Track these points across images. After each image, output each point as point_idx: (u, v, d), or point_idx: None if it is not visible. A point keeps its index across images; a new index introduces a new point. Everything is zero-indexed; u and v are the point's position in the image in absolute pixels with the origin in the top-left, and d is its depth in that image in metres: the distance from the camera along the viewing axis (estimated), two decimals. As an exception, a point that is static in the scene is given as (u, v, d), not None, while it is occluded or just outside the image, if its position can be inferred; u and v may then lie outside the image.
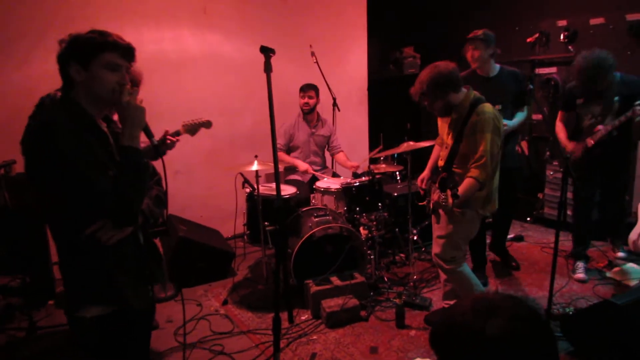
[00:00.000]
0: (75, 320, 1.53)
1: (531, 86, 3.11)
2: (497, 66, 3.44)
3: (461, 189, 2.46)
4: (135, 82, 2.44)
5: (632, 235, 3.84)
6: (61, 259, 1.56)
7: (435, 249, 2.83)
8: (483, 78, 3.40)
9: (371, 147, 5.84)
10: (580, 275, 3.59)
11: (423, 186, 2.99)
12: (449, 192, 2.38)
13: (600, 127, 3.31)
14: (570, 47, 4.73)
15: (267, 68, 1.59)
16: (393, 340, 2.89)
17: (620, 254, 3.88)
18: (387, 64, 6.42)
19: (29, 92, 3.67)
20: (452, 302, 3.00)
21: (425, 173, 3.02)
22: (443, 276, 3.00)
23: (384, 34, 6.02)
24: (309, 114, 4.32)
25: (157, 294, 3.43)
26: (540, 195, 4.94)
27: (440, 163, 2.76)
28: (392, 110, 6.25)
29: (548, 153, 4.93)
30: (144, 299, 1.65)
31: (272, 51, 1.60)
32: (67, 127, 1.42)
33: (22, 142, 1.45)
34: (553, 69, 4.90)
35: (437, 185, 2.66)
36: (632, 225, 3.84)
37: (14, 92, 3.74)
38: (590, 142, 3.33)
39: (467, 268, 2.82)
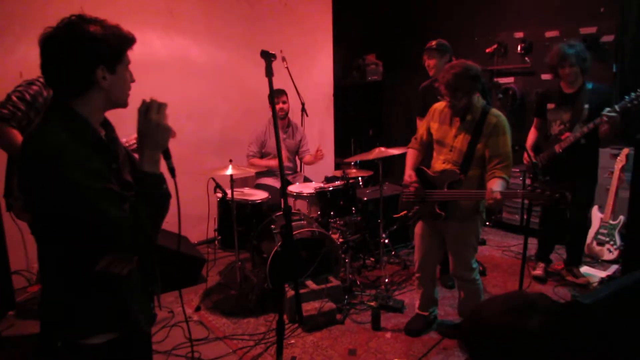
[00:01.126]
0: (76, 346, 1.36)
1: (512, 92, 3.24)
2: None
3: (500, 188, 2.50)
4: None
5: (587, 239, 4.08)
6: (63, 292, 1.35)
7: (455, 262, 2.84)
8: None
9: (337, 153, 5.91)
10: (538, 272, 3.78)
11: (411, 194, 2.87)
12: (492, 190, 2.45)
13: (568, 134, 3.39)
14: (526, 58, 4.99)
15: (269, 72, 1.60)
16: (370, 342, 2.95)
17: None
18: (350, 71, 6.53)
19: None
20: (427, 312, 3.07)
21: (408, 176, 2.89)
22: (421, 288, 3.05)
23: (346, 41, 6.13)
24: (283, 119, 4.33)
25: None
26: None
27: (446, 166, 2.78)
28: (355, 116, 6.37)
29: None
30: (150, 318, 1.56)
31: (274, 56, 1.61)
32: (74, 153, 1.23)
33: (23, 162, 1.27)
34: (511, 79, 5.15)
35: (445, 190, 2.71)
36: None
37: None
38: (558, 148, 3.41)
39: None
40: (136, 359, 1.56)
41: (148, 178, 1.34)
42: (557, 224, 3.81)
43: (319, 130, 5.61)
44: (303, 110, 4.78)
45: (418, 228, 2.99)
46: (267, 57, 1.59)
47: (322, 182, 3.85)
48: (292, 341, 2.99)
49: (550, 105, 3.56)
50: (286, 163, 4.43)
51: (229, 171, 3.38)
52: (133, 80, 1.41)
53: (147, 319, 1.53)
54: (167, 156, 1.43)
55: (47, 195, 1.24)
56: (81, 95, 1.31)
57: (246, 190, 4.00)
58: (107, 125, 1.45)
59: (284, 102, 4.29)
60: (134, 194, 1.35)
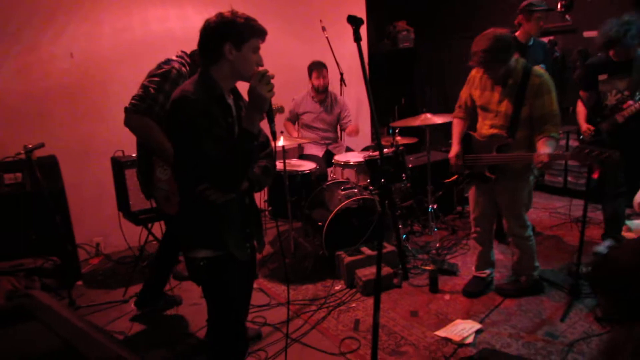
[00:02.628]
0: (188, 259, 1.84)
1: (557, 54, 3.18)
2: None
3: (547, 148, 2.55)
4: None
5: (637, 197, 4.04)
6: (181, 209, 1.84)
7: (510, 220, 2.90)
8: (522, 45, 3.47)
9: (373, 121, 5.89)
10: (600, 248, 3.61)
11: (459, 163, 2.96)
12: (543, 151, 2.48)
13: (630, 102, 3.21)
14: (567, 16, 4.85)
15: (357, 38, 1.62)
16: (430, 304, 3.02)
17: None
18: (381, 39, 6.45)
19: (42, 75, 3.66)
20: (485, 272, 3.13)
21: (457, 149, 2.96)
22: (479, 248, 3.10)
23: (377, 8, 6.03)
24: (321, 93, 4.34)
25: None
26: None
27: (493, 130, 2.80)
28: (387, 84, 6.32)
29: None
30: (244, 252, 1.88)
31: (361, 21, 1.62)
32: (199, 99, 1.63)
33: (168, 107, 1.71)
34: (551, 38, 5.03)
35: (494, 153, 2.75)
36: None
37: (27, 75, 3.65)
38: (620, 118, 3.24)
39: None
40: (232, 281, 1.88)
41: (242, 131, 1.69)
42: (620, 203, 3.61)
43: (355, 99, 5.59)
44: (342, 80, 4.77)
45: (473, 191, 3.03)
46: (356, 21, 1.60)
47: (369, 151, 3.87)
48: (353, 305, 3.07)
49: (602, 77, 3.38)
50: (323, 134, 4.45)
51: (280, 142, 3.43)
52: (260, 64, 1.75)
53: (241, 250, 1.86)
54: (270, 120, 1.74)
55: (175, 129, 1.69)
56: (215, 63, 1.71)
57: (294, 161, 4.05)
58: (235, 92, 1.86)
59: (324, 77, 4.28)
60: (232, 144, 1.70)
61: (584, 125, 3.46)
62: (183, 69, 2.55)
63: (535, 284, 3.03)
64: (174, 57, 2.62)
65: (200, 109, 1.63)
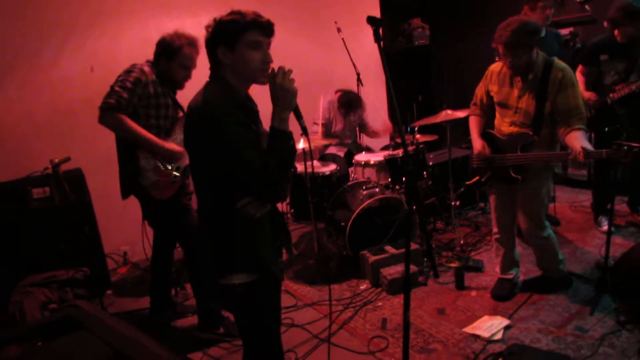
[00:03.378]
0: (224, 286, 1.64)
1: (578, 45, 3.15)
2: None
3: (582, 142, 2.38)
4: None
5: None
6: (211, 231, 1.66)
7: (527, 221, 2.81)
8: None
9: (397, 118, 5.88)
10: (605, 227, 3.73)
11: (486, 153, 2.83)
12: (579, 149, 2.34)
13: (622, 84, 3.32)
14: (586, 6, 4.77)
15: (378, 38, 1.64)
16: (457, 301, 3.01)
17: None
18: (396, 36, 6.43)
19: (63, 90, 3.76)
20: (511, 274, 3.05)
21: (480, 142, 2.87)
22: (502, 249, 3.04)
23: (391, 6, 6.02)
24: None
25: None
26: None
27: (513, 128, 2.73)
28: (404, 82, 6.30)
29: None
30: (279, 269, 1.77)
31: (380, 22, 1.64)
32: (224, 105, 1.52)
33: (186, 121, 1.60)
34: (570, 30, 4.95)
35: (519, 153, 2.65)
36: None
37: (50, 91, 3.75)
38: (609, 100, 3.33)
39: (552, 232, 2.89)
40: (270, 305, 1.79)
41: (275, 132, 1.57)
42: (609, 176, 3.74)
43: (372, 100, 5.60)
44: (359, 80, 4.77)
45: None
46: (375, 22, 1.62)
47: (389, 150, 3.87)
48: (380, 304, 3.08)
49: (603, 57, 3.45)
50: (348, 140, 4.47)
51: (301, 145, 3.45)
52: (268, 60, 1.60)
53: (277, 268, 1.75)
54: (298, 116, 1.65)
55: (201, 137, 1.54)
56: (220, 69, 1.61)
57: (315, 163, 4.07)
58: (249, 99, 1.72)
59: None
60: (266, 147, 1.58)
61: (586, 94, 3.47)
62: (145, 68, 2.66)
63: (563, 279, 2.98)
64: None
65: (231, 115, 1.52)
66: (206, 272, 1.77)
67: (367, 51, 5.62)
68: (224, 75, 1.61)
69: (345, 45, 4.52)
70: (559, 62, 2.59)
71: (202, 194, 1.67)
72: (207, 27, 1.59)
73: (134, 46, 4.06)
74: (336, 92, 4.52)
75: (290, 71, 1.57)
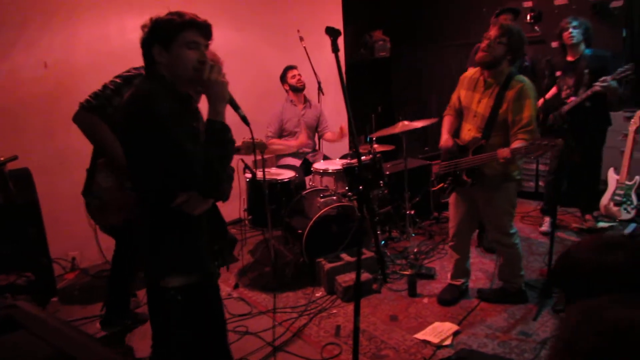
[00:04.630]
0: (159, 290, 1.59)
1: (527, 63, 3.35)
2: None
3: (513, 145, 2.56)
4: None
5: (603, 200, 4.21)
6: (149, 229, 1.61)
7: (492, 228, 2.93)
8: None
9: (350, 130, 5.97)
10: (544, 228, 4.06)
11: (450, 144, 2.93)
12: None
13: (572, 98, 3.71)
14: (536, 27, 5.02)
15: (335, 49, 1.66)
16: (409, 308, 3.07)
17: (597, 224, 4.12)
18: (358, 48, 6.55)
19: (13, 85, 3.61)
20: (460, 281, 3.15)
21: (445, 139, 2.97)
22: (455, 256, 3.13)
23: (353, 18, 6.14)
24: (301, 91, 4.40)
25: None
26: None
27: (471, 133, 2.82)
28: (365, 93, 6.41)
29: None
30: (215, 271, 1.77)
31: (339, 32, 1.67)
32: (161, 98, 1.49)
33: (122, 110, 1.56)
34: (521, 49, 5.20)
35: (470, 156, 2.76)
36: (603, 192, 4.22)
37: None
38: (564, 111, 3.70)
39: (519, 242, 2.97)
40: (209, 310, 1.76)
41: (212, 124, 1.55)
42: (561, 183, 4.06)
43: (333, 109, 5.66)
44: (319, 89, 4.82)
45: (452, 197, 3.08)
46: (333, 33, 1.65)
47: (347, 158, 3.92)
48: (334, 311, 3.10)
49: (557, 73, 3.89)
50: (307, 141, 4.49)
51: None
52: (204, 60, 1.56)
53: (213, 270, 1.74)
54: (235, 107, 1.67)
55: (137, 130, 1.49)
56: (154, 70, 1.59)
57: (273, 170, 4.07)
58: (189, 97, 1.70)
59: (299, 75, 4.38)
60: (204, 140, 1.56)
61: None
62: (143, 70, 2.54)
63: (520, 294, 3.02)
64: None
65: (168, 108, 1.48)
66: (145, 274, 1.72)
67: (329, 60, 5.62)
68: (160, 73, 1.59)
69: (307, 54, 4.57)
70: (520, 76, 2.72)
71: (140, 192, 1.64)
72: (143, 27, 1.57)
73: (92, 43, 3.95)
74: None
75: (217, 65, 1.56)
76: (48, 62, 3.73)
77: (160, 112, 1.46)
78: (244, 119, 1.67)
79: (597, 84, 3.48)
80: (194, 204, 1.57)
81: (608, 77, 3.46)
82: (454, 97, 3.03)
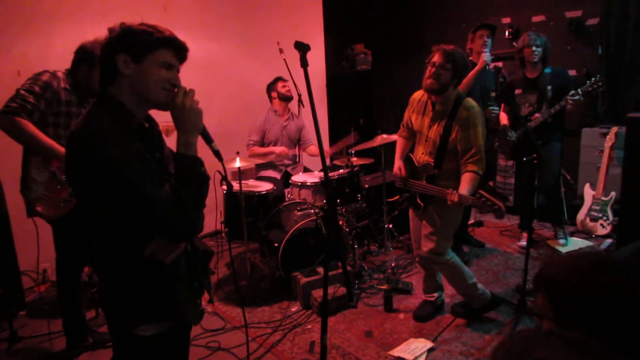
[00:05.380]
0: (132, 338, 1.45)
1: (502, 79, 3.39)
2: None
3: (466, 185, 2.53)
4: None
5: (580, 216, 4.25)
6: (116, 277, 1.43)
7: (428, 245, 2.84)
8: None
9: (331, 143, 5.97)
10: (523, 242, 4.08)
11: (403, 174, 2.95)
12: (451, 192, 2.48)
13: (537, 114, 3.76)
14: (514, 43, 5.10)
15: (304, 63, 1.65)
16: (385, 324, 3.04)
17: (562, 242, 4.10)
18: (339, 61, 6.57)
19: None
20: (434, 296, 3.13)
21: (399, 163, 3.01)
22: (423, 271, 3.12)
23: (335, 31, 6.17)
24: (288, 102, 4.39)
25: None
26: (491, 183, 5.30)
27: (423, 157, 2.82)
28: (346, 106, 6.43)
29: (497, 143, 5.29)
30: (197, 313, 1.61)
31: (308, 47, 1.66)
32: (115, 133, 1.31)
33: (68, 152, 1.35)
34: (499, 64, 5.25)
35: (423, 182, 2.75)
36: (579, 207, 4.27)
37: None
38: (530, 127, 3.70)
39: (457, 257, 2.91)
40: (181, 353, 1.64)
41: (182, 159, 1.39)
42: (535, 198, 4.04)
43: (312, 122, 5.65)
44: (300, 101, 4.82)
45: (410, 212, 3.08)
46: (302, 48, 1.64)
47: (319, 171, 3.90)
48: (309, 326, 3.06)
49: (517, 91, 3.92)
50: (287, 152, 4.46)
51: (237, 164, 3.42)
52: (175, 85, 1.43)
53: (194, 313, 1.58)
54: (208, 140, 1.50)
55: (90, 176, 1.30)
56: (112, 83, 1.40)
57: (251, 182, 4.04)
58: (150, 120, 1.53)
59: (289, 85, 4.37)
60: (174, 177, 1.40)
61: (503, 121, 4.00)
62: (59, 73, 2.54)
63: (484, 306, 2.98)
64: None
65: (125, 148, 1.30)
66: (115, 322, 1.53)
67: (310, 73, 5.71)
68: (116, 93, 1.40)
69: (287, 66, 4.56)
70: (468, 101, 2.67)
71: (97, 240, 1.43)
72: (110, 30, 1.41)
73: (68, 52, 3.87)
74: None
75: (192, 91, 1.42)
76: (21, 70, 3.66)
77: (114, 154, 1.27)
78: (217, 154, 1.52)
79: (569, 98, 3.51)
80: (165, 251, 1.40)
81: (579, 90, 3.50)
82: (406, 117, 3.02)
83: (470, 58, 3.73)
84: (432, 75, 2.64)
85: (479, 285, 2.96)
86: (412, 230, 3.10)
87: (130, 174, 1.28)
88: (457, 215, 2.84)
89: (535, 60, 3.71)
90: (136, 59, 1.37)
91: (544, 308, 1.01)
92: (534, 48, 3.69)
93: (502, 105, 4.05)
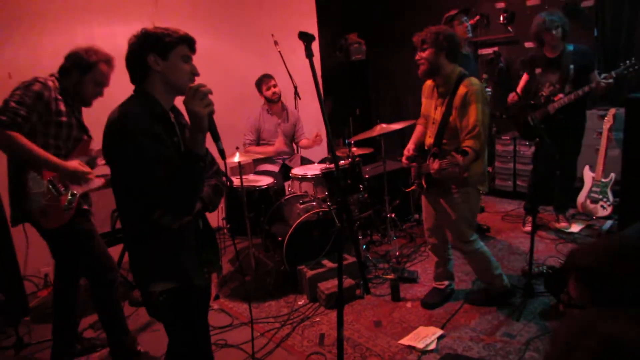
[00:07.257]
0: (146, 294, 1.71)
1: (501, 64, 3.35)
2: None
3: (452, 159, 2.49)
4: None
5: (580, 198, 4.26)
6: (131, 242, 1.75)
7: (449, 233, 2.87)
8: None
9: (328, 133, 5.93)
10: (528, 228, 4.03)
11: (411, 152, 2.95)
12: (454, 155, 2.46)
13: (561, 95, 3.63)
14: (509, 27, 5.08)
15: (309, 54, 1.63)
16: (393, 313, 3.04)
17: (565, 224, 4.11)
18: (333, 51, 6.53)
19: None
20: (443, 283, 3.14)
21: (410, 146, 2.99)
22: (435, 258, 3.12)
23: (328, 22, 6.12)
24: (276, 103, 4.33)
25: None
26: (489, 169, 5.31)
27: (430, 140, 2.83)
28: (342, 96, 6.39)
29: (495, 128, 5.29)
30: (203, 278, 1.81)
31: (313, 37, 1.64)
32: (140, 118, 1.57)
33: (106, 127, 1.59)
34: (495, 49, 5.24)
35: (430, 160, 2.74)
36: (579, 190, 4.27)
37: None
38: (552, 109, 3.65)
39: (484, 247, 2.90)
40: (194, 312, 1.83)
41: (186, 154, 1.61)
42: (544, 182, 4.08)
43: (310, 113, 5.62)
44: (296, 93, 4.78)
45: (423, 200, 3.07)
46: (307, 38, 1.61)
47: (326, 162, 3.88)
48: (317, 319, 3.05)
49: (537, 70, 3.81)
50: (284, 148, 4.43)
51: (237, 158, 3.39)
52: (196, 74, 1.71)
53: (199, 278, 1.79)
54: (215, 138, 1.67)
55: (115, 151, 1.60)
56: (145, 80, 1.67)
57: (251, 177, 4.01)
58: (175, 110, 1.79)
59: (274, 86, 4.29)
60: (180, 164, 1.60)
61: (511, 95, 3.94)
62: (50, 83, 2.45)
63: (505, 294, 2.98)
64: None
65: (145, 129, 1.55)
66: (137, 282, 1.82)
67: (305, 64, 5.47)
68: (148, 87, 1.66)
69: (282, 58, 4.52)
70: (469, 79, 2.63)
71: (125, 205, 1.70)
72: (133, 36, 1.64)
73: (59, 53, 3.80)
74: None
75: (207, 91, 1.56)
76: (12, 72, 3.60)
77: (138, 133, 1.53)
78: (221, 153, 1.69)
79: (602, 80, 3.44)
80: (169, 219, 1.63)
81: (613, 73, 3.43)
82: (422, 105, 3.01)
83: None
84: (418, 60, 2.71)
85: (504, 276, 2.98)
86: (425, 217, 3.10)
87: (143, 151, 1.53)
88: (472, 201, 2.81)
89: (557, 43, 3.63)
90: (163, 56, 1.63)
91: (580, 295, 1.01)
92: (553, 32, 3.56)
93: (525, 75, 3.97)
